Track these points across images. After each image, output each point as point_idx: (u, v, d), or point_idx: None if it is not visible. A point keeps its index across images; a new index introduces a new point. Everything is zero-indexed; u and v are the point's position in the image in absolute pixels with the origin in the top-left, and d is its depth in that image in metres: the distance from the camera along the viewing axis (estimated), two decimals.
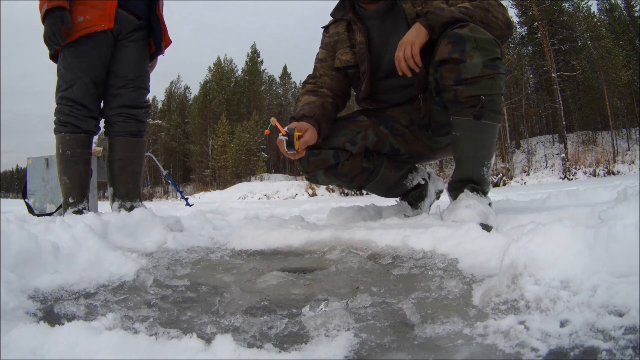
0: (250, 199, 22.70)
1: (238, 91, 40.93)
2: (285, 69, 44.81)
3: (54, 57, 2.02)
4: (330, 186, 20.07)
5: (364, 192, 2.11)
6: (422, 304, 0.87)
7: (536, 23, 23.62)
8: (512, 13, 25.22)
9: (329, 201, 10.11)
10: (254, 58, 41.84)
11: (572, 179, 18.74)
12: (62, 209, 1.97)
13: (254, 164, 34.75)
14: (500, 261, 0.86)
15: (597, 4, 27.72)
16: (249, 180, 31.90)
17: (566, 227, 0.80)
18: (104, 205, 3.60)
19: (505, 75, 1.53)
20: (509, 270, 0.80)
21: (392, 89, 1.83)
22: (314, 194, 23.03)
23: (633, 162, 20.18)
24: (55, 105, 1.99)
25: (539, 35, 23.78)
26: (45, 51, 1.99)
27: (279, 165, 40.87)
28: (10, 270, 0.92)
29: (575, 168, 20.20)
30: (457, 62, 1.47)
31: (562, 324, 0.66)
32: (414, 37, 1.57)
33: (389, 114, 1.85)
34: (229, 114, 37.54)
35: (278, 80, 44.71)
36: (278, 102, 43.46)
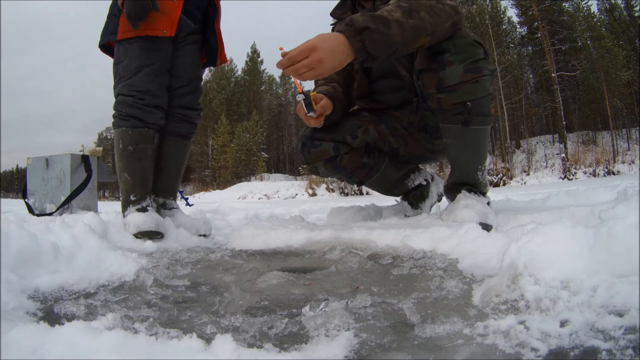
0: (250, 199, 22.66)
1: (238, 91, 40.88)
2: None
3: (104, 47, 1.92)
4: (330, 186, 20.08)
5: (364, 192, 2.10)
6: (422, 304, 0.87)
7: (536, 23, 23.60)
8: (512, 13, 25.25)
9: (329, 201, 10.09)
10: (254, 58, 41.81)
11: (572, 179, 18.72)
12: (121, 207, 1.86)
13: (254, 164, 34.72)
14: (500, 261, 0.86)
15: (597, 4, 27.68)
16: (249, 180, 31.86)
17: (566, 227, 0.80)
18: (104, 205, 3.60)
19: (491, 75, 1.46)
20: (509, 270, 0.80)
21: (387, 90, 1.84)
22: (314, 194, 23.00)
23: (633, 162, 20.16)
24: (114, 99, 1.88)
25: (539, 35, 23.76)
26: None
27: (279, 165, 40.85)
28: (10, 270, 0.92)
29: (575, 168, 20.19)
30: (436, 69, 1.42)
31: (562, 324, 0.66)
32: (329, 58, 1.19)
33: (391, 114, 1.86)
34: (229, 114, 37.50)
35: (278, 80, 44.69)
36: (278, 102, 43.43)
